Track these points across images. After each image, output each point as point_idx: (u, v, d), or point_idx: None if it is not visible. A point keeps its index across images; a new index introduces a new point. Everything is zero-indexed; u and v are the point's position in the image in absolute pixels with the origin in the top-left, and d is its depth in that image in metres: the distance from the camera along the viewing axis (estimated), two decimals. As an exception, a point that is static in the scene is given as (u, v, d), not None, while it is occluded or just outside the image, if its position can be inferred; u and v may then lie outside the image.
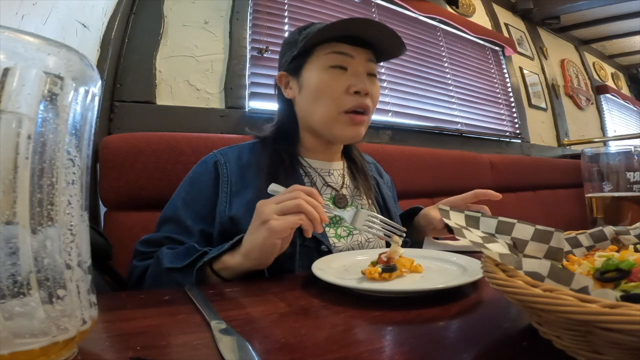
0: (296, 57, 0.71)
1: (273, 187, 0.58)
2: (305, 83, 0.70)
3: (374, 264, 0.49)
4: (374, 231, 0.55)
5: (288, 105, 0.75)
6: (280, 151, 0.72)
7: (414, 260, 0.51)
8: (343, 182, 0.76)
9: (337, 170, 0.77)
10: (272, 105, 1.46)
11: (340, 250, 0.66)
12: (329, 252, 0.63)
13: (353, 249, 0.68)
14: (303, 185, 0.53)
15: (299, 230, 0.63)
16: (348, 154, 0.82)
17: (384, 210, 0.80)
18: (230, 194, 0.66)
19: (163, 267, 0.56)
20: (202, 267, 0.53)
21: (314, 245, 0.63)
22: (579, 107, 3.06)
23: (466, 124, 2.11)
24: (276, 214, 0.49)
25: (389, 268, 0.47)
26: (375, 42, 0.70)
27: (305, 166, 0.74)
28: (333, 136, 0.72)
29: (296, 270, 0.61)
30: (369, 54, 0.70)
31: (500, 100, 2.36)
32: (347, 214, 0.57)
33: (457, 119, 2.07)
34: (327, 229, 0.68)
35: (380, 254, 0.51)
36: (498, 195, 0.68)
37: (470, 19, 2.33)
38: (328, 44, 0.69)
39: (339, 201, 0.73)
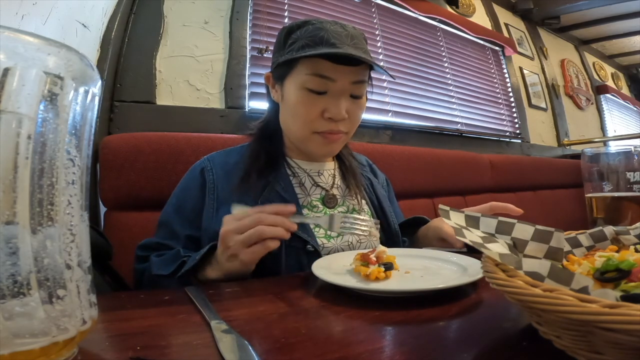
0: (281, 64, 0.68)
1: (236, 211, 0.55)
2: (285, 95, 0.69)
3: (364, 265, 0.49)
4: (354, 231, 0.55)
5: (275, 105, 0.75)
6: (263, 151, 0.72)
7: (395, 257, 0.52)
8: (333, 182, 0.76)
9: (327, 171, 0.77)
10: (272, 105, 1.47)
11: (330, 251, 0.66)
12: (316, 251, 0.63)
13: (343, 250, 0.67)
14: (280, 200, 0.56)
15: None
16: (338, 155, 0.81)
17: (379, 210, 0.79)
18: (217, 200, 0.67)
19: (152, 274, 0.60)
20: (184, 275, 0.56)
21: (301, 245, 0.63)
22: (579, 107, 3.06)
23: (466, 124, 2.11)
24: (243, 246, 0.50)
25: (388, 265, 0.47)
26: (363, 60, 0.65)
27: (293, 166, 0.73)
28: (308, 152, 0.72)
29: (282, 270, 0.61)
30: (355, 74, 0.66)
31: (500, 100, 2.36)
32: (322, 219, 0.56)
33: (457, 119, 2.07)
34: (316, 229, 0.67)
35: (361, 255, 0.50)
36: (519, 211, 0.65)
37: (470, 19, 2.33)
38: (312, 59, 0.64)
39: (329, 201, 0.72)
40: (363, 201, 0.77)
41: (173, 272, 0.57)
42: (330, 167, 0.78)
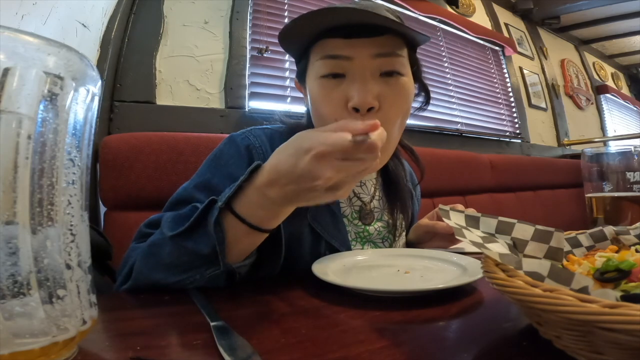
0: (297, 63, 0.61)
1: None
2: (308, 95, 0.59)
3: None
4: None
5: (308, 112, 0.65)
6: None
7: None
8: (374, 194, 0.68)
9: (370, 180, 0.69)
10: (272, 105, 1.47)
11: None
12: None
13: None
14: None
15: (325, 243, 0.59)
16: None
17: (408, 226, 0.74)
18: None
19: (166, 237, 0.44)
20: (219, 221, 0.41)
21: None
22: (579, 107, 3.06)
23: (466, 124, 2.11)
24: (352, 182, 0.39)
25: None
26: (380, 24, 0.51)
27: None
28: None
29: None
30: (377, 46, 0.52)
31: (500, 100, 2.36)
32: None
33: (457, 119, 2.07)
34: (353, 243, 0.64)
35: None
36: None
37: (470, 19, 2.33)
38: (320, 42, 0.53)
39: (365, 217, 0.65)
40: (401, 215, 0.70)
41: (198, 220, 0.42)
42: (372, 177, 0.69)
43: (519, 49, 2.59)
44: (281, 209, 0.42)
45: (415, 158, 0.74)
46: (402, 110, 0.56)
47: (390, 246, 0.69)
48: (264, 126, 0.65)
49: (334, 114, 0.53)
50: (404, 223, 0.71)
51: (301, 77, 0.61)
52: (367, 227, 0.66)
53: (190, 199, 0.52)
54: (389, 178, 0.71)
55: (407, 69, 0.56)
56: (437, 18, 2.10)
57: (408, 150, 0.74)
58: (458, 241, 0.70)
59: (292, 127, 0.64)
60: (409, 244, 0.76)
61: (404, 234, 0.73)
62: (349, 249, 0.62)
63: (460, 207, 0.68)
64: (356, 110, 0.52)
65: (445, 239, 0.70)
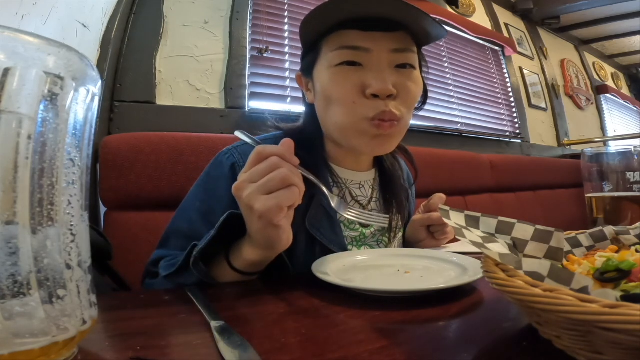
0: (305, 55, 0.62)
1: (239, 134, 0.50)
2: (316, 87, 0.60)
3: None
4: (358, 220, 0.52)
5: (310, 108, 0.65)
6: (304, 158, 0.61)
7: None
8: (372, 196, 0.68)
9: (367, 182, 0.69)
10: (272, 105, 1.47)
11: None
12: None
13: None
14: (298, 167, 0.43)
15: (319, 245, 0.59)
16: (381, 163, 0.71)
17: (405, 226, 0.75)
18: None
19: (162, 277, 0.50)
20: (201, 262, 0.46)
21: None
22: (579, 107, 3.07)
23: (466, 124, 2.11)
24: (261, 194, 0.41)
25: None
26: (401, 20, 0.54)
27: (336, 175, 0.65)
28: (354, 149, 0.61)
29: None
30: (394, 41, 0.54)
31: (500, 100, 2.36)
32: (332, 197, 0.50)
33: (457, 119, 2.08)
34: (350, 248, 0.64)
35: None
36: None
37: (470, 19, 2.33)
38: (336, 33, 0.55)
39: None
40: (398, 216, 0.70)
41: (182, 267, 0.46)
42: (370, 178, 0.69)
43: (519, 49, 2.59)
44: (254, 257, 0.47)
45: (409, 158, 0.76)
46: (415, 100, 0.59)
47: (386, 247, 0.69)
48: (258, 137, 0.65)
49: (350, 97, 0.55)
50: (399, 224, 0.72)
51: (308, 70, 0.62)
52: (364, 231, 0.66)
53: (184, 229, 0.57)
54: (386, 178, 0.72)
55: (417, 64, 0.60)
56: (437, 18, 2.09)
57: (402, 150, 0.76)
58: (451, 240, 0.71)
59: (287, 132, 0.66)
60: (405, 243, 0.77)
61: (400, 234, 0.73)
62: (343, 246, 0.63)
63: (441, 196, 0.71)
64: (374, 96, 0.54)
65: (439, 234, 0.72)
